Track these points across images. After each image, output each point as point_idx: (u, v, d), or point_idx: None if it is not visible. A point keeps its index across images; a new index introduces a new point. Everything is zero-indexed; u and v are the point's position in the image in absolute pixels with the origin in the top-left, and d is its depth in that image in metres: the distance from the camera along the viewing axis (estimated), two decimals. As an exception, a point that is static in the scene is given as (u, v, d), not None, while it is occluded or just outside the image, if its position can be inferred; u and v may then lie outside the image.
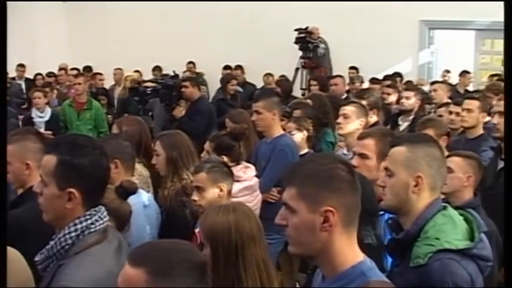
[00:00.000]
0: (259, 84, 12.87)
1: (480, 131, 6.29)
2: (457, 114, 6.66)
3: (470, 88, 13.14)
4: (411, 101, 8.07)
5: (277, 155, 5.88)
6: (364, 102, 6.74)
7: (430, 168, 2.91)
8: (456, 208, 3.66)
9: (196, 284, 2.09)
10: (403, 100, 8.16)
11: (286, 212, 2.34)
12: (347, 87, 10.63)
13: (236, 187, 4.93)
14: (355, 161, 4.14)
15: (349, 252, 2.34)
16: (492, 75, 12.20)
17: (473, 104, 6.35)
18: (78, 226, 2.70)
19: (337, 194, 2.29)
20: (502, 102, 4.99)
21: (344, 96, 9.51)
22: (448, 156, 4.83)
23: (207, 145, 5.39)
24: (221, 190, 4.33)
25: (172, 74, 9.56)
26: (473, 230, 2.89)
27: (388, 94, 8.92)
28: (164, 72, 12.56)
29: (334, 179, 2.30)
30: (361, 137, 4.36)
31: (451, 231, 2.85)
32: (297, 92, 11.86)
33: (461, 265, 2.76)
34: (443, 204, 3.02)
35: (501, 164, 4.95)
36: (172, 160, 4.91)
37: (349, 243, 2.35)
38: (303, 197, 2.30)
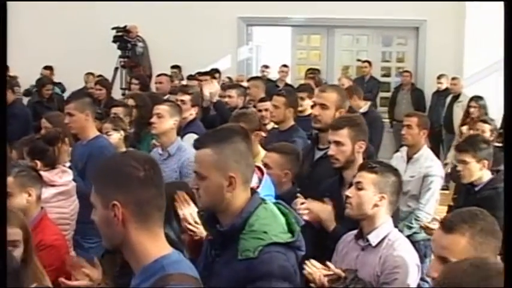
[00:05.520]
0: (78, 85, 12.47)
1: (291, 123, 6.54)
2: (266, 110, 7.08)
3: (289, 82, 13.53)
4: (234, 98, 8.39)
5: (98, 159, 5.72)
6: (188, 97, 6.84)
7: (240, 165, 2.92)
8: (277, 197, 3.79)
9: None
10: (226, 99, 8.37)
11: (94, 209, 2.41)
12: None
13: (51, 192, 4.89)
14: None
15: (151, 247, 2.37)
16: (308, 69, 12.62)
17: (279, 101, 6.59)
18: None
19: (123, 190, 2.33)
20: (324, 94, 5.17)
21: (167, 96, 9.47)
22: (266, 151, 4.96)
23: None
24: (30, 195, 4.23)
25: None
26: (290, 222, 2.96)
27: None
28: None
29: (121, 176, 2.35)
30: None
31: (274, 224, 2.91)
32: (116, 91, 11.71)
33: (287, 257, 2.85)
34: (262, 197, 3.07)
35: (318, 154, 5.07)
36: None
37: (151, 238, 2.38)
38: (98, 193, 2.38)
